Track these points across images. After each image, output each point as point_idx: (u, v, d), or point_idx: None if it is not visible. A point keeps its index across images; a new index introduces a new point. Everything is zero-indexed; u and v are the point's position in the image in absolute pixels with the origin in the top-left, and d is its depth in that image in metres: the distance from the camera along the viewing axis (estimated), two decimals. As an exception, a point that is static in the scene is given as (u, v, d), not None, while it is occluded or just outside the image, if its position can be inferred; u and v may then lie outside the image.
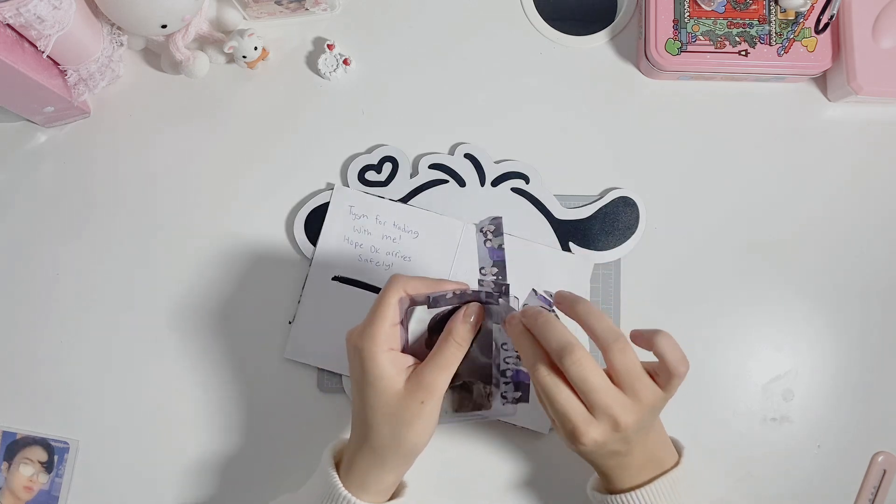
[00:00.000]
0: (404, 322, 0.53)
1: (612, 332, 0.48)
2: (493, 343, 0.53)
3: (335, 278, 0.64)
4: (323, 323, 0.64)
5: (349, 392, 0.63)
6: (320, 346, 0.64)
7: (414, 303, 0.53)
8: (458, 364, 0.51)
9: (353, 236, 0.65)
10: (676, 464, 0.54)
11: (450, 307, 0.52)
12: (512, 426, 0.63)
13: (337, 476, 0.52)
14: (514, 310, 0.51)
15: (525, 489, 0.63)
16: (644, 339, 0.49)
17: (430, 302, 0.52)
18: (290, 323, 0.64)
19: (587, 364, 0.47)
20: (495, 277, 0.53)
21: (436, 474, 0.63)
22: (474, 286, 0.54)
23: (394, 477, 0.53)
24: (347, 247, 0.65)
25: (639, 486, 0.52)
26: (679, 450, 0.55)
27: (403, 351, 0.52)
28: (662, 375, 0.49)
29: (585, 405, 0.48)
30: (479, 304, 0.52)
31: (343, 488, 0.52)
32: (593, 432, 0.48)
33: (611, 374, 0.48)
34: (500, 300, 0.52)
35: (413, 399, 0.50)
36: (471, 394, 0.54)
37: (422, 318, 0.54)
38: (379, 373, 0.50)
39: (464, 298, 0.52)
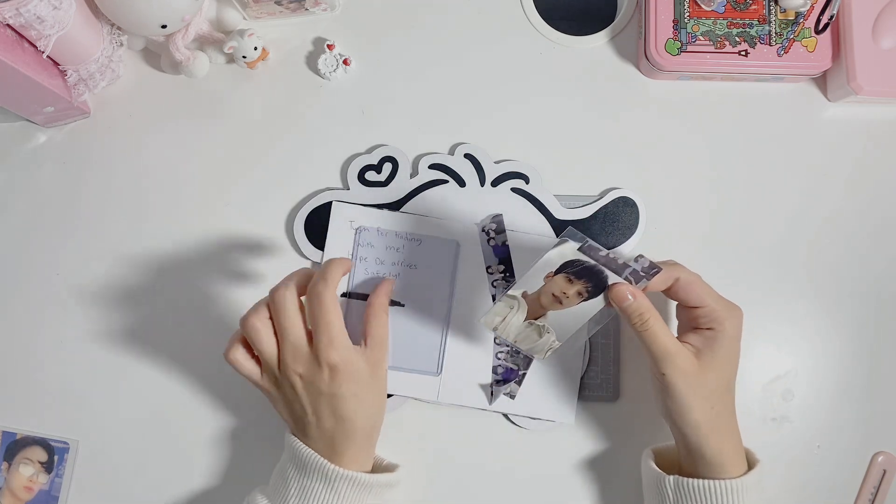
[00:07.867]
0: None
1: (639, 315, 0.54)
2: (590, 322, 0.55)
3: (344, 295, 0.64)
4: None
5: None
6: None
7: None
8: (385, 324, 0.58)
9: (356, 251, 0.65)
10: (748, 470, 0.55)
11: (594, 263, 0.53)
12: (511, 424, 0.63)
13: (300, 441, 0.56)
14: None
15: (520, 483, 0.63)
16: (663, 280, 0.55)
17: (584, 248, 0.53)
18: None
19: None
20: (503, 275, 0.52)
21: (429, 465, 0.63)
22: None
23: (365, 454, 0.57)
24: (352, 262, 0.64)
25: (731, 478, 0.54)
26: (752, 462, 0.56)
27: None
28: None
29: None
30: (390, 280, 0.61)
31: (311, 451, 0.55)
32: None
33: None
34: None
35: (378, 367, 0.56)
36: (539, 337, 0.56)
37: (561, 254, 0.53)
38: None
39: (609, 265, 0.53)
